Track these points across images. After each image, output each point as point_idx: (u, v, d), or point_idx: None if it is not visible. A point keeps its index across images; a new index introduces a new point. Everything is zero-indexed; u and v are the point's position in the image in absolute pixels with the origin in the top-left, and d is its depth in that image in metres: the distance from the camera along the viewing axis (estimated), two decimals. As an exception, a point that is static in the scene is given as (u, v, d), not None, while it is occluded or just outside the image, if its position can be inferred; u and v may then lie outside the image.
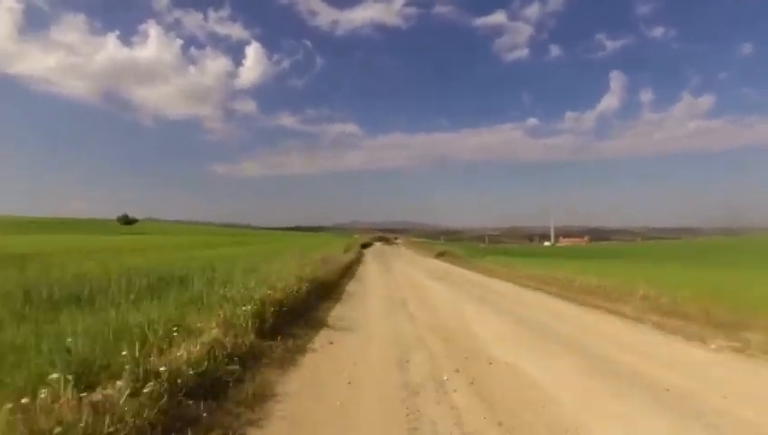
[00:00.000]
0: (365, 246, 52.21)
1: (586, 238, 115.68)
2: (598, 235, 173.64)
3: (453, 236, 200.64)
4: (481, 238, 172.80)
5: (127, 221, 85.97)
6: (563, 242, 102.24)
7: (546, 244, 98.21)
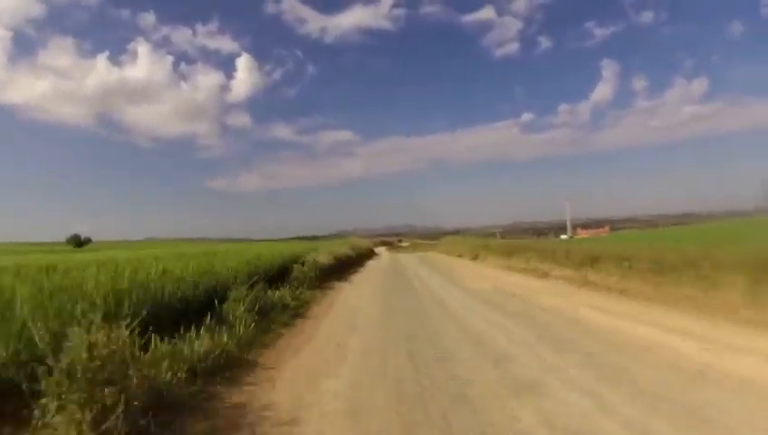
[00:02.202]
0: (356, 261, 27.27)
1: (607, 228, 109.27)
2: (601, 225, 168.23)
3: (454, 236, 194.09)
4: (488, 236, 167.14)
5: (78, 243, 74.16)
6: (582, 234, 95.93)
7: (563, 237, 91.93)
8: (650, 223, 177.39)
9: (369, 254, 35.99)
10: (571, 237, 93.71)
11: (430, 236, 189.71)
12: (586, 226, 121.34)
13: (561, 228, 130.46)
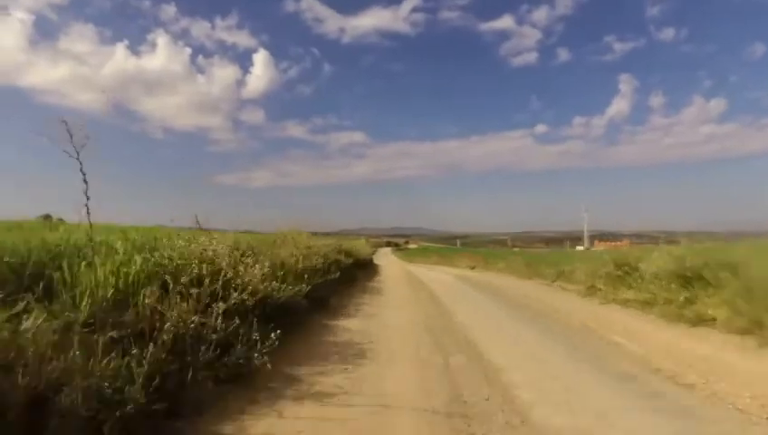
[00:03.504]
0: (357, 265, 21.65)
1: (626, 241, 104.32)
2: (612, 238, 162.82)
3: (464, 240, 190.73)
4: (497, 243, 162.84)
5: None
6: (600, 246, 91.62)
7: (579, 248, 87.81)
8: (667, 238, 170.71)
9: (365, 262, 20.20)
10: (587, 249, 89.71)
11: (437, 241, 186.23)
12: (579, 238, 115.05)
13: (574, 239, 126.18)
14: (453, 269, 22.52)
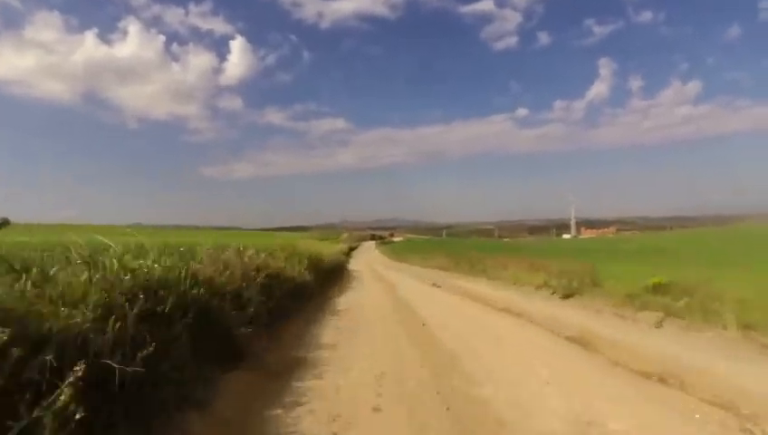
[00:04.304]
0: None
1: (613, 229, 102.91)
2: (598, 225, 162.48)
3: (449, 231, 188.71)
4: (483, 233, 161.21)
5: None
6: (587, 233, 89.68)
7: (566, 236, 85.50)
8: (646, 225, 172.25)
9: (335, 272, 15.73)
10: (575, 237, 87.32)
11: (422, 232, 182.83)
12: (562, 226, 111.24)
13: (561, 227, 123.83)
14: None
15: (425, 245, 56.34)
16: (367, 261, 32.84)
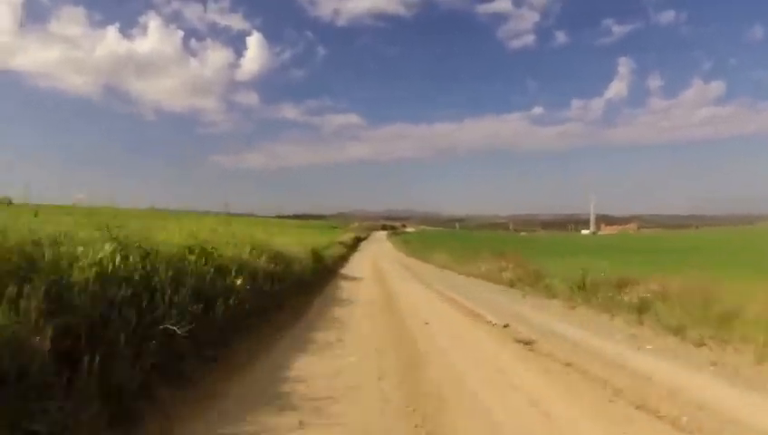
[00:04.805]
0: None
1: (634, 225, 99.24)
2: (617, 221, 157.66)
3: (462, 223, 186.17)
4: (497, 226, 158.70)
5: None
6: (607, 230, 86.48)
7: (585, 232, 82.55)
8: (661, 222, 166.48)
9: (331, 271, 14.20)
10: (594, 233, 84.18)
11: (433, 224, 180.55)
12: (567, 222, 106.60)
13: (575, 222, 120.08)
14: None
15: (444, 237, 52.67)
16: (374, 259, 24.62)
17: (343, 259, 21.15)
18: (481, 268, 14.00)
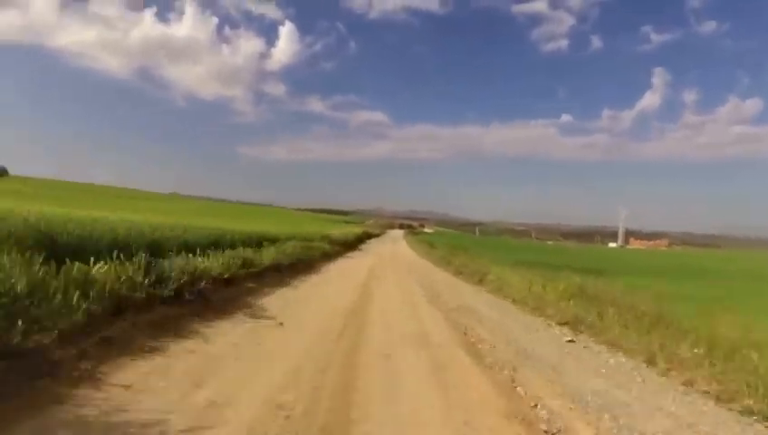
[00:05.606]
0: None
1: (665, 241, 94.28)
2: (648, 237, 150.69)
3: (481, 228, 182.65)
4: (517, 233, 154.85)
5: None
6: (635, 244, 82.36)
7: (612, 245, 78.65)
8: (689, 240, 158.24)
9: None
10: (622, 246, 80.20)
11: (452, 226, 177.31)
12: (589, 234, 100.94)
13: (600, 234, 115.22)
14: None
15: (465, 241, 48.49)
16: (381, 253, 20.17)
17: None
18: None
